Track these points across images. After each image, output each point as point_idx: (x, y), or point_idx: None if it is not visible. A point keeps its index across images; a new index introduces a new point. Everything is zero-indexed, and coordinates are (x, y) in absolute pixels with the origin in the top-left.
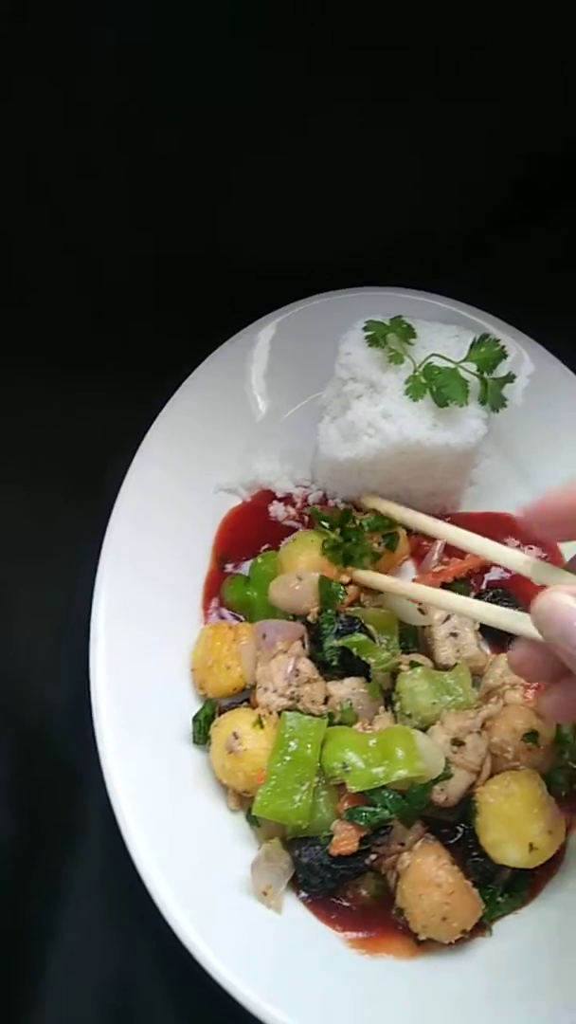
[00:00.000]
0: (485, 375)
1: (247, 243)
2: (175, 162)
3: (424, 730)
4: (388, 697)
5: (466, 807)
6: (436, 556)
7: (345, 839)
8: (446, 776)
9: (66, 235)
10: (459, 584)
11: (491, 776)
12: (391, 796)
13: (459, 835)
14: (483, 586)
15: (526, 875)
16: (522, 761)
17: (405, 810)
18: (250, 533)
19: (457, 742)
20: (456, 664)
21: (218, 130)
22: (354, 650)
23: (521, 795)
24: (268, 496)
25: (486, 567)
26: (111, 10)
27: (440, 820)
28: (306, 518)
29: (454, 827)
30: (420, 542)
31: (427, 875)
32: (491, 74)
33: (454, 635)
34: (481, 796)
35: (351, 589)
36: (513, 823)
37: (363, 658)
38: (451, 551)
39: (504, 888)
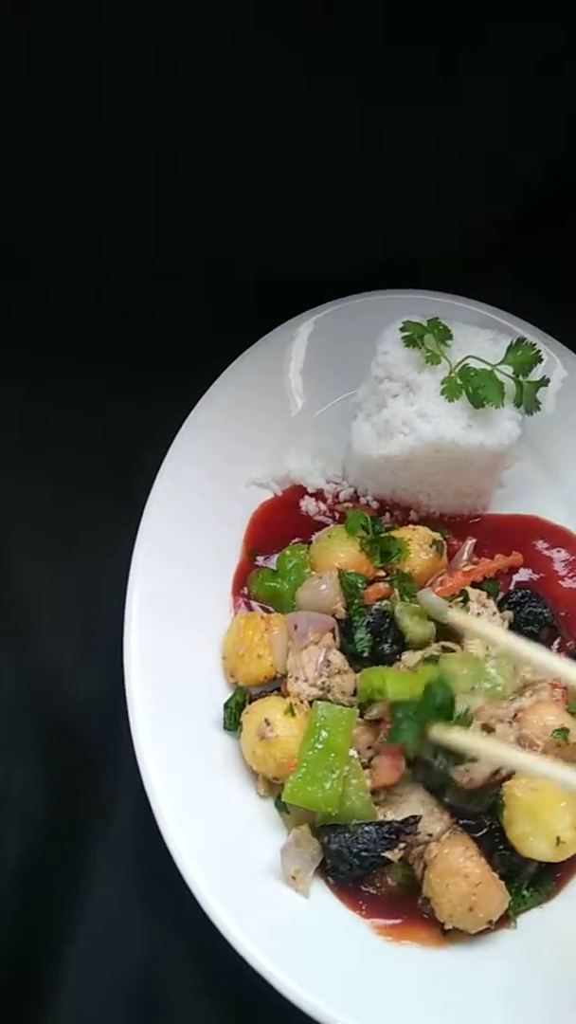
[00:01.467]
0: (521, 378)
1: (287, 241)
2: (206, 161)
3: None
4: None
5: (493, 801)
6: (466, 556)
7: (386, 772)
8: (471, 759)
9: (94, 232)
10: (488, 583)
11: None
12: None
13: (486, 829)
14: (511, 586)
15: (552, 869)
16: (544, 750)
17: (429, 714)
18: (281, 527)
19: (488, 728)
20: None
21: (247, 129)
22: (394, 618)
23: (548, 789)
24: (299, 491)
25: (515, 567)
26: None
27: (466, 811)
28: (337, 514)
29: (481, 820)
30: (450, 541)
31: (455, 865)
32: (512, 72)
33: None
34: (508, 790)
35: (381, 586)
36: (539, 817)
37: (400, 627)
38: (480, 550)
39: (530, 882)
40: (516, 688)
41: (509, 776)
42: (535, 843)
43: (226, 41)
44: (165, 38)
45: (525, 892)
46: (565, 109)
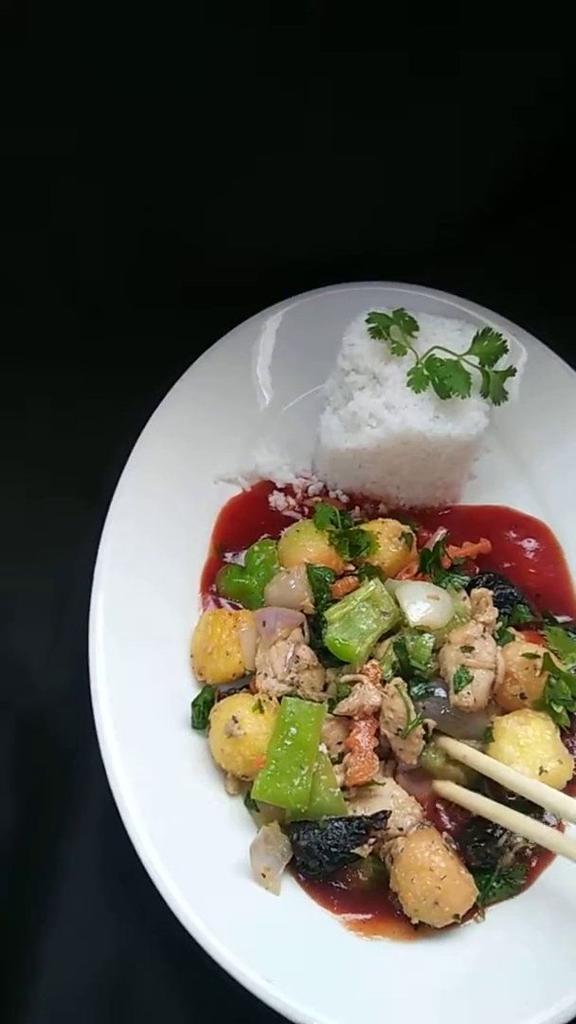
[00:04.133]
0: (487, 368)
1: (252, 236)
2: (170, 154)
3: (437, 650)
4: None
5: (486, 729)
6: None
7: (357, 768)
8: (468, 679)
9: (60, 230)
10: (457, 571)
11: (506, 713)
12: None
13: (466, 825)
14: (477, 570)
15: (524, 863)
16: (523, 682)
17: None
18: (250, 523)
19: (467, 648)
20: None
21: (217, 123)
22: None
23: (535, 725)
24: (268, 486)
25: (483, 554)
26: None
27: (463, 735)
28: (306, 509)
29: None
30: (420, 533)
31: (420, 859)
32: (484, 68)
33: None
34: (499, 724)
35: (351, 580)
36: (527, 749)
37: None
38: (451, 542)
39: (500, 874)
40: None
41: (500, 712)
42: (520, 770)
43: (196, 42)
44: (135, 39)
45: (495, 884)
46: (524, 101)
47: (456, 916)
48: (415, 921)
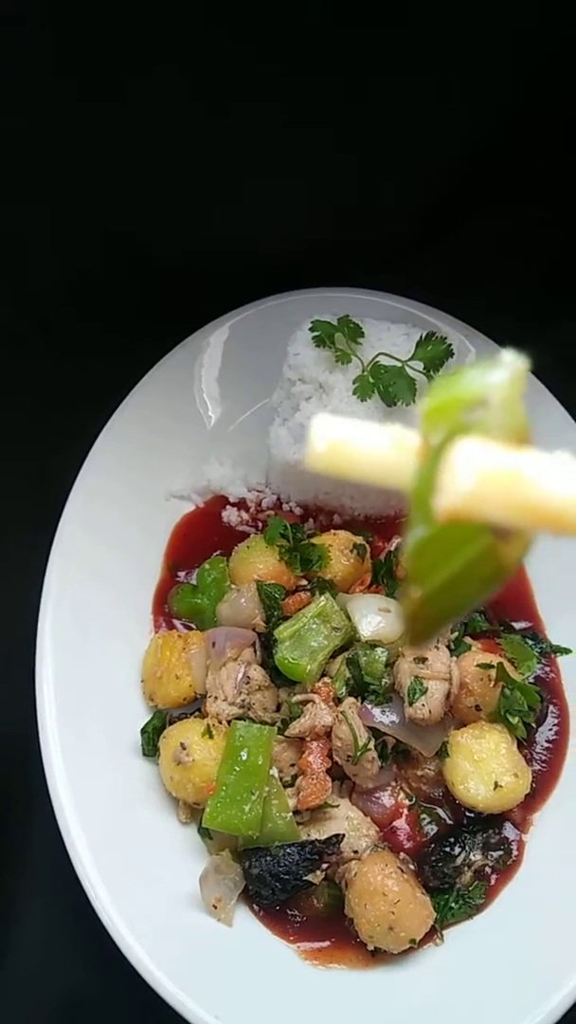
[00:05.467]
0: (432, 373)
1: (194, 246)
2: (113, 160)
3: (391, 664)
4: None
5: (442, 745)
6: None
7: (310, 792)
8: (422, 691)
9: (13, 233)
10: None
11: (463, 727)
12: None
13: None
14: None
15: (483, 882)
16: (478, 693)
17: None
18: (203, 540)
19: (420, 659)
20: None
21: (156, 128)
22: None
23: (490, 738)
24: (221, 501)
25: None
26: None
27: (417, 754)
28: (260, 523)
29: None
30: (374, 543)
31: (373, 884)
32: (431, 63)
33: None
34: (453, 739)
35: (302, 596)
36: (481, 763)
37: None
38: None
39: (458, 895)
40: None
41: (458, 725)
42: (475, 788)
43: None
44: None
45: (453, 905)
46: (477, 98)
47: (412, 941)
48: (371, 947)
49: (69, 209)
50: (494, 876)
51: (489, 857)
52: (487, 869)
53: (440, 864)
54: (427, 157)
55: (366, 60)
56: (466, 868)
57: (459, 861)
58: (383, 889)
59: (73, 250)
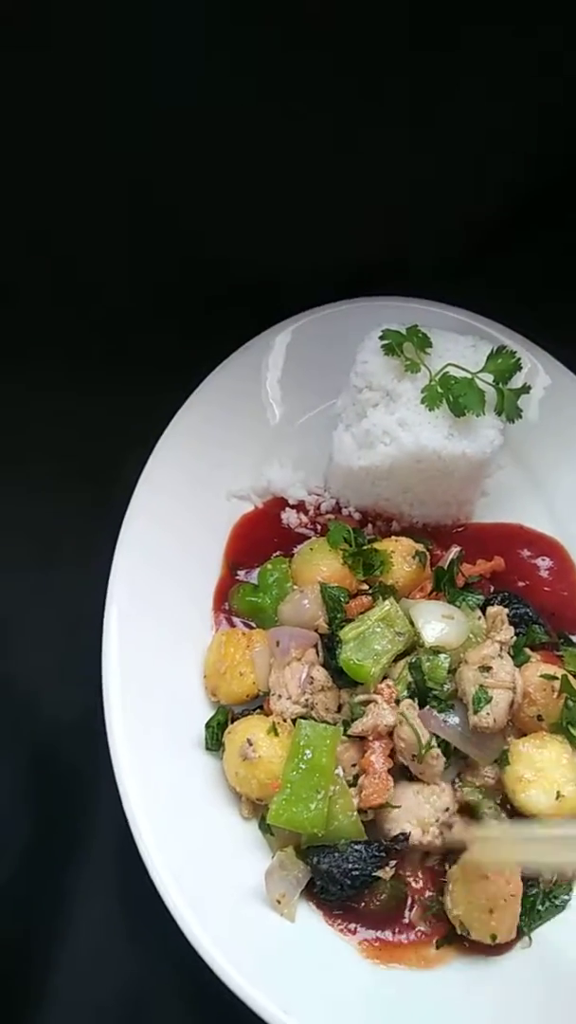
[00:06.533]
0: (501, 386)
1: (264, 250)
2: (183, 166)
3: (453, 671)
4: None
5: (503, 753)
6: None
7: (373, 791)
8: (487, 699)
9: (76, 242)
10: (470, 590)
11: (523, 736)
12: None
13: None
14: (491, 588)
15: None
16: (541, 703)
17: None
18: (262, 540)
19: (484, 668)
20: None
21: (222, 135)
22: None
23: (552, 748)
24: (280, 503)
25: (497, 572)
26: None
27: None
28: (319, 526)
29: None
30: (433, 551)
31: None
32: (496, 77)
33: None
34: (514, 746)
35: (364, 600)
36: (542, 771)
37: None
38: (464, 560)
39: (545, 896)
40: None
41: (517, 734)
42: (536, 797)
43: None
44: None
45: (540, 907)
46: (540, 110)
47: (493, 937)
48: (454, 927)
49: (143, 215)
50: None
51: None
52: None
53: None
54: (499, 168)
55: (439, 68)
56: None
57: None
58: (508, 876)
59: (147, 256)
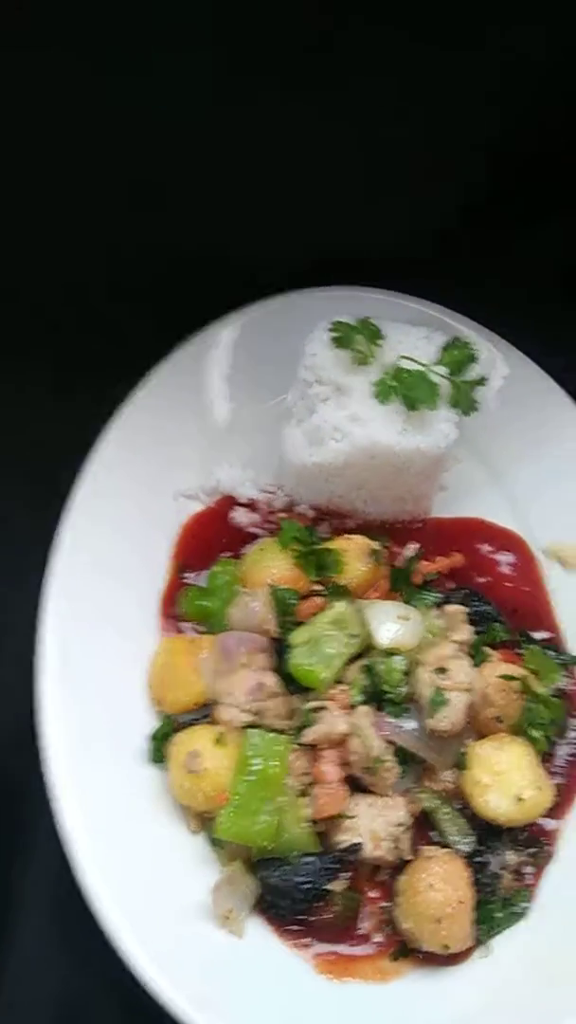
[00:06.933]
0: (456, 378)
1: (211, 240)
2: (123, 160)
3: (409, 673)
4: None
5: (461, 757)
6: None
7: (328, 803)
8: (443, 702)
9: (19, 237)
10: (427, 588)
11: (483, 738)
12: None
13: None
14: (453, 585)
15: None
16: (500, 705)
17: None
18: (212, 540)
19: (441, 669)
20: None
21: (179, 126)
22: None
23: (512, 751)
24: (230, 502)
25: (457, 568)
26: None
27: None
28: (271, 525)
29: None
30: (390, 548)
31: (450, 873)
32: (464, 75)
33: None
34: (472, 750)
35: (317, 601)
36: (502, 775)
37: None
38: (423, 556)
39: (503, 903)
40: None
41: (476, 737)
42: (496, 801)
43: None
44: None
45: (498, 914)
46: (504, 105)
47: (445, 947)
48: (405, 940)
49: (74, 205)
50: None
51: (523, 854)
52: (525, 867)
53: (477, 876)
54: (453, 160)
55: (395, 61)
56: (503, 871)
57: (495, 867)
58: (456, 884)
59: (84, 245)
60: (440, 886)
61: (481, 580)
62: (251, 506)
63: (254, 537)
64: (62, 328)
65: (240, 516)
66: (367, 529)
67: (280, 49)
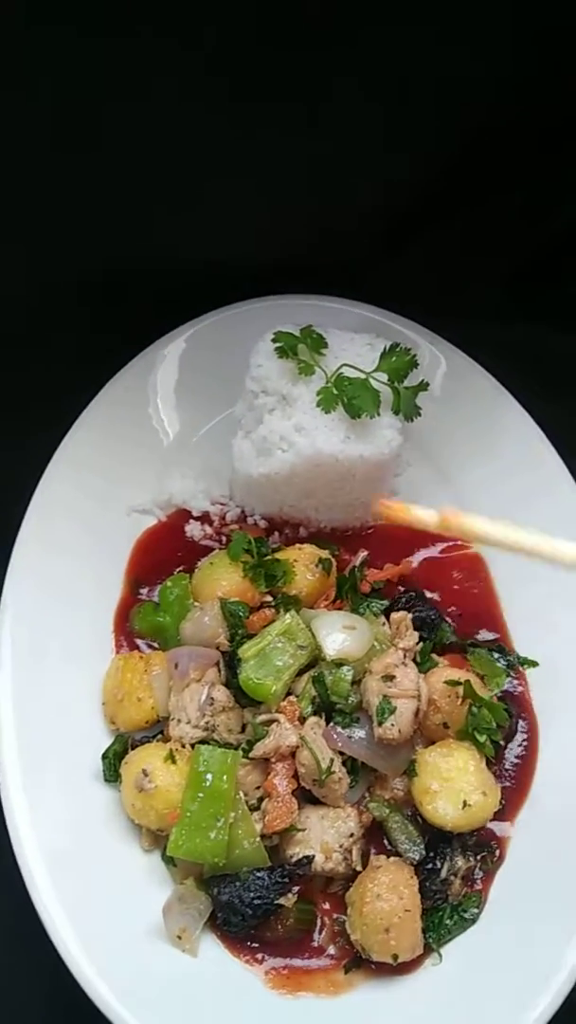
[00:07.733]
0: (397, 384)
1: (152, 254)
2: (63, 166)
3: (358, 682)
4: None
5: (410, 764)
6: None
7: (277, 816)
8: (390, 710)
9: None
10: (375, 595)
11: (431, 743)
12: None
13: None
14: (401, 589)
15: (476, 893)
16: (446, 710)
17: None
18: (166, 555)
19: (388, 677)
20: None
21: (116, 131)
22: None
23: (459, 756)
24: (184, 515)
25: (404, 576)
26: None
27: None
28: (224, 537)
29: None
30: (340, 556)
31: (395, 882)
32: (393, 66)
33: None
34: (421, 757)
35: (267, 612)
36: (449, 782)
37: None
38: (373, 562)
39: (452, 909)
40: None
41: (425, 743)
42: (443, 808)
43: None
44: None
45: (448, 921)
46: (440, 107)
47: (394, 957)
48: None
49: (17, 219)
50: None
51: (473, 858)
52: (475, 871)
53: (427, 883)
54: (389, 163)
55: (328, 62)
56: (453, 878)
57: (444, 873)
58: (401, 893)
59: (26, 262)
60: (387, 895)
61: (431, 583)
62: (205, 519)
63: (208, 550)
64: (8, 346)
65: (194, 529)
66: (319, 538)
67: (217, 58)
